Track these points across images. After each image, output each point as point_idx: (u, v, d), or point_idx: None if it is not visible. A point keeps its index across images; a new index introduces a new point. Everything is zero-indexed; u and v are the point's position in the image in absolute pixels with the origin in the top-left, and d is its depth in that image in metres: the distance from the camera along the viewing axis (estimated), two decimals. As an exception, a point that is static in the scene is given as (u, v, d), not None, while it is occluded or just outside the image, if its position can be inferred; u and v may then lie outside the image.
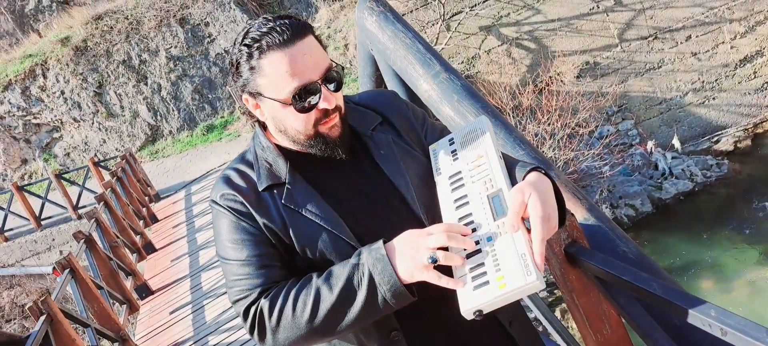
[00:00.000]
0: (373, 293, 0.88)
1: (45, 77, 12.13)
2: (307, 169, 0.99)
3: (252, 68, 0.92)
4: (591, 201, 1.67)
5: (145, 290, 5.18)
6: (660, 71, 10.61)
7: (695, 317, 1.01)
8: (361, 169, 1.02)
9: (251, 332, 0.93)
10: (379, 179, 1.01)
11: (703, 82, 10.57)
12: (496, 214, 0.89)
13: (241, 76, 0.94)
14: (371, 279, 0.88)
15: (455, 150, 1.05)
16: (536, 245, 0.82)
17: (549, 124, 9.15)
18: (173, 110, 12.09)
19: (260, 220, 0.95)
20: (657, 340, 1.23)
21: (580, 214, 1.57)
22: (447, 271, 0.87)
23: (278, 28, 0.91)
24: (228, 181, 0.99)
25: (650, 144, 9.88)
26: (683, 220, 8.48)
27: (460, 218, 0.93)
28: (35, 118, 12.29)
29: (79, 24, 12.40)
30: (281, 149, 1.01)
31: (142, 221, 7.49)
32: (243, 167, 1.01)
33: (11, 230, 10.17)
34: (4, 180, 12.25)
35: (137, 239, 6.57)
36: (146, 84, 12.18)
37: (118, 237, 5.63)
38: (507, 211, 0.87)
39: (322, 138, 0.96)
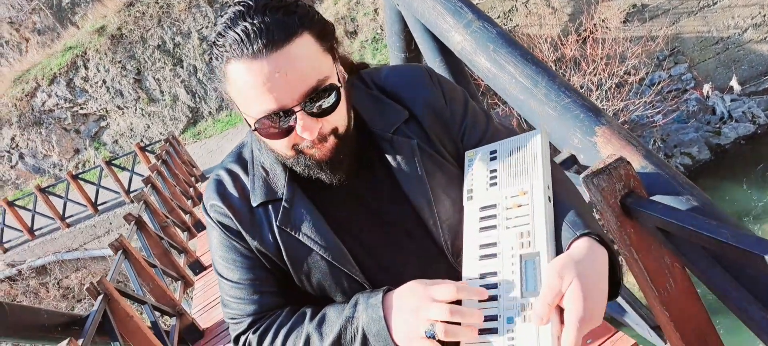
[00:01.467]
0: None
1: (86, 68, 12.58)
2: (310, 183, 0.81)
3: (220, 71, 0.73)
4: (647, 147, 1.54)
5: (197, 267, 5.37)
6: (715, 8, 9.86)
7: (778, 266, 0.90)
8: (376, 183, 0.82)
9: None
10: (397, 196, 0.82)
11: (764, 16, 9.76)
12: (526, 287, 0.69)
13: (215, 74, 0.74)
14: (365, 339, 0.75)
15: (495, 172, 0.80)
16: None
17: (595, 75, 8.72)
18: (210, 91, 12.32)
19: (252, 242, 0.81)
20: (729, 292, 1.12)
21: (636, 162, 1.45)
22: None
23: (246, 32, 0.68)
24: (219, 187, 0.84)
25: (706, 87, 9.29)
26: (745, 165, 7.98)
27: (482, 275, 0.74)
28: (82, 108, 12.83)
29: (112, 13, 12.71)
30: None
31: (189, 201, 7.75)
32: (237, 169, 0.84)
33: (71, 216, 10.76)
34: (60, 170, 12.94)
35: (187, 217, 6.80)
36: (182, 67, 12.44)
37: (167, 217, 5.84)
38: (539, 289, 0.69)
39: (306, 159, 0.76)
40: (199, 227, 6.79)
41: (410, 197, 0.81)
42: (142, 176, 7.40)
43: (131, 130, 12.81)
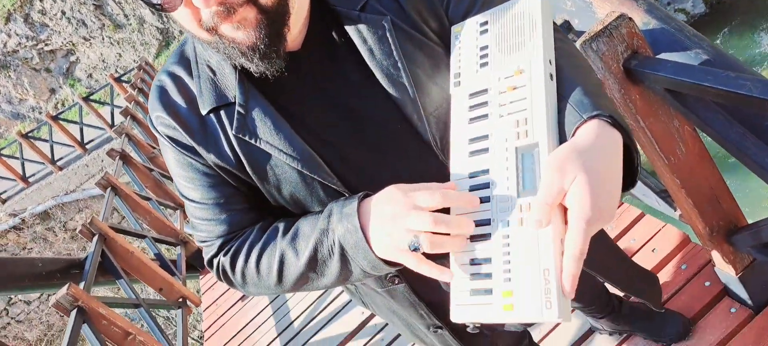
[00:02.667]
0: (347, 264, 0.68)
1: (41, 0, 11.77)
2: (266, 80, 0.68)
3: None
4: (649, 1, 1.38)
5: (193, 193, 5.33)
6: None
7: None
8: (345, 74, 0.70)
9: (220, 280, 0.78)
10: (372, 88, 0.70)
11: None
12: (523, 185, 0.59)
13: None
14: (343, 252, 0.67)
15: (486, 48, 0.68)
16: (568, 262, 0.54)
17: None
18: (177, 7, 11.61)
19: (208, 157, 0.71)
20: (748, 149, 1.02)
21: (638, 18, 1.29)
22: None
23: None
24: (162, 95, 0.72)
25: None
26: (744, 16, 7.66)
27: (472, 173, 0.64)
28: (46, 44, 12.20)
29: (56, -67, 11.62)
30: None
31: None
32: (180, 71, 0.72)
33: (61, 159, 10.64)
34: (40, 113, 12.60)
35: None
36: (143, -16, 11.61)
37: (153, 147, 5.72)
38: (538, 188, 0.58)
39: (225, 44, 0.63)
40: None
41: (387, 88, 0.69)
42: (122, 107, 7.17)
43: (103, 61, 12.28)
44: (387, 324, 2.22)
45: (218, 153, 0.70)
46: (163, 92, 0.72)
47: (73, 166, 10.53)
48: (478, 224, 0.61)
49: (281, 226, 0.73)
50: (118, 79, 10.17)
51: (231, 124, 0.69)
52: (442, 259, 0.64)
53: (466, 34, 0.69)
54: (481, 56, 0.68)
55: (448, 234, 0.61)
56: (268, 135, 0.68)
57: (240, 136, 0.69)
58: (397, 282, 0.79)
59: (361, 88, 0.70)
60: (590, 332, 1.64)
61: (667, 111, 1.20)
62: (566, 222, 0.56)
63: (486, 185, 0.62)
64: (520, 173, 0.60)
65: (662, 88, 1.12)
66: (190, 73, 0.71)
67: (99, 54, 12.26)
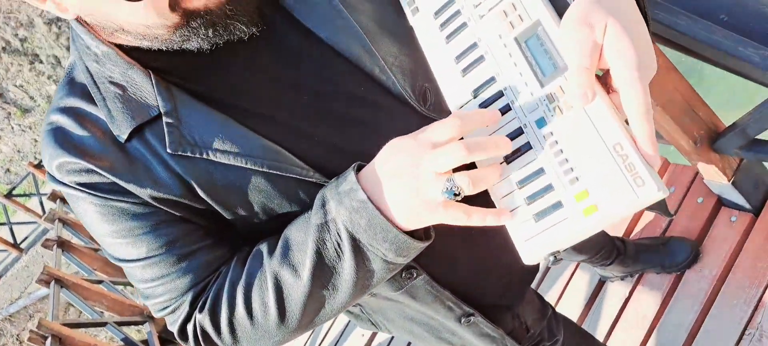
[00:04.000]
0: (364, 259, 0.54)
1: (-66, 104, 10.98)
2: (191, 75, 0.57)
3: None
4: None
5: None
6: None
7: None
8: (285, 45, 0.60)
9: None
10: (319, 52, 0.60)
11: None
12: (543, 72, 0.50)
13: None
14: (355, 242, 0.53)
15: None
16: (639, 122, 0.44)
17: None
18: (87, 73, 11.11)
19: (142, 191, 0.56)
20: (719, 42, 0.97)
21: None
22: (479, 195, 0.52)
23: None
24: (60, 137, 0.57)
25: None
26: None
27: (476, 90, 0.54)
28: (-49, 150, 11.38)
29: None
30: (130, 52, 0.57)
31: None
32: (76, 102, 0.58)
33: (-4, 267, 9.94)
34: (-39, 225, 11.72)
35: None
36: (41, 62, 11.02)
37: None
38: (561, 65, 0.49)
39: (198, 19, 0.53)
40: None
41: (337, 47, 0.59)
42: (49, 193, 6.72)
43: (19, 152, 11.57)
44: (391, 340, 2.10)
45: (155, 183, 0.56)
46: (60, 133, 0.57)
47: (11, 271, 9.85)
48: (510, 137, 0.51)
49: (264, 247, 0.59)
50: (38, 166, 9.57)
51: (162, 143, 0.55)
52: (477, 200, 0.51)
53: None
54: None
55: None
56: (214, 141, 0.55)
57: (179, 153, 0.55)
58: (415, 275, 0.66)
59: (308, 55, 0.60)
60: (601, 283, 1.58)
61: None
62: (609, 90, 0.47)
63: (498, 95, 0.52)
64: (533, 61, 0.50)
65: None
66: (91, 100, 0.57)
67: (12, 145, 11.54)
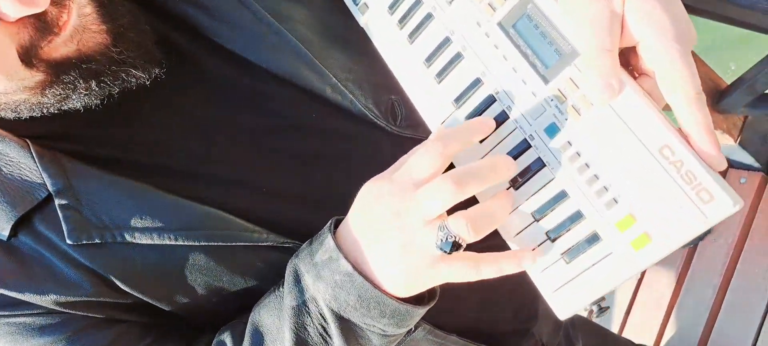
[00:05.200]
0: (359, 340, 0.44)
1: None
2: (86, 137, 0.47)
3: None
4: None
5: None
6: None
7: None
8: (206, 80, 0.49)
9: None
10: (250, 75, 0.50)
11: None
12: (544, 63, 0.39)
13: None
14: (344, 323, 0.43)
15: None
16: (691, 111, 0.34)
17: None
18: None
19: (44, 300, 0.44)
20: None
21: None
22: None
23: None
24: None
25: None
26: None
27: (458, 98, 0.43)
28: None
29: None
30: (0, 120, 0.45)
31: None
32: None
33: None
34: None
35: None
36: None
37: None
38: (567, 50, 0.37)
39: (72, 70, 0.41)
40: None
41: (274, 70, 0.48)
42: None
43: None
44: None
45: (58, 285, 0.44)
46: None
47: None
48: (514, 156, 0.40)
49: (228, 339, 0.47)
50: None
51: (59, 232, 0.43)
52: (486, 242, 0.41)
53: None
54: None
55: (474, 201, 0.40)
56: (128, 218, 0.43)
57: (83, 242, 0.43)
58: (414, 328, 0.54)
59: (239, 86, 0.49)
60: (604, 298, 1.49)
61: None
62: (634, 74, 0.36)
63: (489, 101, 0.41)
64: (529, 51, 0.39)
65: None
66: None
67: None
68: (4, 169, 0.43)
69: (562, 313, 0.39)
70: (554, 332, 0.80)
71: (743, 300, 1.22)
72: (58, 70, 0.40)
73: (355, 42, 0.50)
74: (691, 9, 0.96)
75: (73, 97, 0.42)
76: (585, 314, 0.39)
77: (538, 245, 0.39)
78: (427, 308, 0.44)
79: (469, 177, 0.37)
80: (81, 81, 0.41)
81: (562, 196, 0.38)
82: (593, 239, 0.37)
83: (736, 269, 1.27)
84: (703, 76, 1.19)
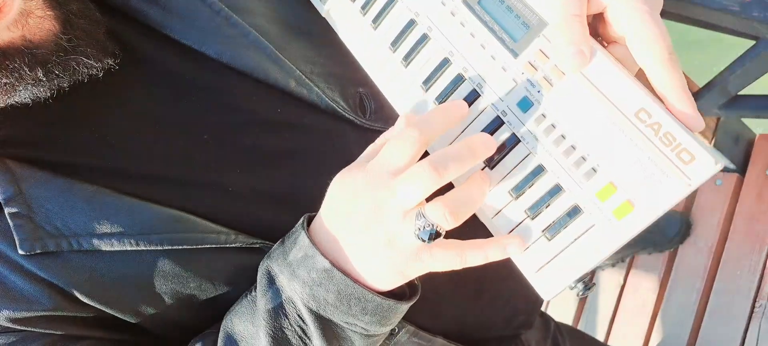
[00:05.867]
0: (340, 341, 0.42)
1: None
2: (37, 140, 0.43)
3: None
4: None
5: None
6: None
7: None
8: (163, 77, 0.47)
9: None
10: (211, 70, 0.47)
11: None
12: (512, 36, 0.38)
13: None
14: (324, 323, 0.40)
15: None
16: (664, 73, 0.32)
17: None
18: None
19: None
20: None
21: None
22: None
23: None
24: None
25: None
26: None
27: (427, 80, 0.41)
28: None
29: None
30: None
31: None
32: None
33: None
34: None
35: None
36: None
37: None
38: (535, 22, 0.36)
39: (18, 56, 0.38)
40: None
41: (234, 64, 0.46)
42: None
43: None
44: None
45: (11, 300, 0.41)
46: None
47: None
48: (490, 130, 0.39)
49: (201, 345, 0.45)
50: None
51: (10, 242, 0.40)
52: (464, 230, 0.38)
53: None
54: None
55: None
56: (86, 224, 0.40)
57: (36, 251, 0.40)
58: (397, 331, 0.52)
59: (199, 82, 0.46)
60: (592, 274, 1.47)
61: None
62: (604, 42, 0.35)
63: (458, 80, 0.40)
64: (496, 26, 0.38)
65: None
66: None
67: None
68: None
69: (547, 293, 0.37)
70: (542, 339, 0.78)
71: (727, 302, 1.22)
72: (2, 57, 0.37)
73: (318, 33, 0.48)
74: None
75: (20, 87, 0.39)
76: (570, 291, 0.37)
77: (518, 224, 0.37)
78: (410, 303, 0.42)
79: (448, 161, 0.35)
80: (27, 69, 0.38)
81: (539, 170, 0.37)
82: (574, 211, 0.35)
83: (717, 272, 1.26)
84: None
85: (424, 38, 0.41)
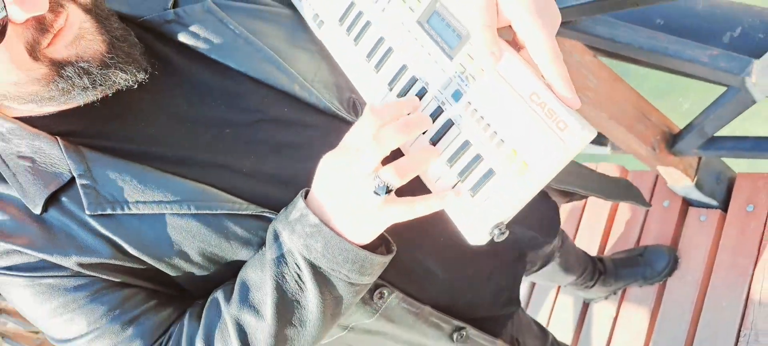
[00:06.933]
0: (327, 285, 0.53)
1: None
2: (99, 132, 0.56)
3: None
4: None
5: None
6: None
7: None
8: (193, 81, 0.59)
9: None
10: (233, 81, 0.59)
11: None
12: (449, 45, 0.50)
13: None
14: (315, 270, 0.52)
15: None
16: (551, 67, 0.44)
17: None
18: None
19: (69, 262, 0.54)
20: (665, 47, 0.95)
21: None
22: (420, 185, 0.52)
23: None
24: None
25: None
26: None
27: (391, 82, 0.54)
28: None
29: None
30: (33, 121, 0.56)
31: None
32: None
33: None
34: None
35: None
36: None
37: None
38: (464, 33, 0.48)
39: (70, 67, 0.51)
40: None
41: (251, 74, 0.59)
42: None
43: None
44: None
45: (79, 249, 0.54)
46: None
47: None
48: (433, 119, 0.51)
49: (220, 295, 0.57)
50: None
51: (80, 206, 0.54)
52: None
53: None
54: None
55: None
56: (134, 193, 0.54)
57: (99, 213, 0.53)
58: (387, 295, 0.64)
59: (222, 87, 0.59)
60: (586, 306, 1.52)
61: (563, 46, 1.12)
62: (517, 46, 0.47)
63: (412, 81, 0.53)
64: (438, 38, 0.50)
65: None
66: (3, 180, 0.56)
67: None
68: (38, 160, 0.54)
69: (473, 238, 0.48)
70: None
71: (714, 332, 1.27)
72: (59, 67, 0.50)
73: (316, 50, 0.61)
74: (636, 60, 1.05)
75: (73, 93, 0.52)
76: (487, 240, 0.49)
77: (454, 186, 0.49)
78: (385, 258, 0.54)
79: (391, 133, 0.48)
80: (77, 79, 0.51)
81: (466, 145, 0.48)
82: (489, 173, 0.47)
83: (704, 304, 1.31)
84: (656, 122, 1.28)
85: (389, 50, 0.54)
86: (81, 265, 0.54)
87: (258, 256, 0.55)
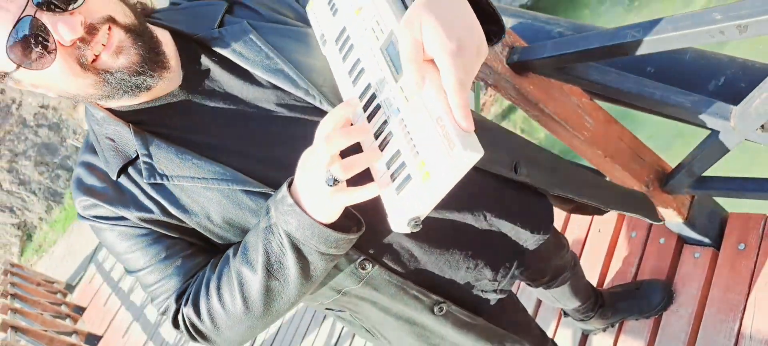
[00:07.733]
0: (302, 253, 0.67)
1: None
2: (161, 123, 0.76)
3: None
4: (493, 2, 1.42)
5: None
6: None
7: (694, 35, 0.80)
8: (230, 87, 0.77)
9: (193, 339, 0.78)
10: (260, 87, 0.76)
11: None
12: (396, 71, 0.60)
13: None
14: (291, 239, 0.66)
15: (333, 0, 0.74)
16: (452, 96, 0.52)
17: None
18: (29, 195, 10.69)
19: (133, 216, 0.75)
20: (651, 92, 1.03)
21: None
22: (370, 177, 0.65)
23: None
24: (78, 185, 0.79)
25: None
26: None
27: (361, 96, 0.66)
28: None
29: None
30: (118, 113, 0.76)
31: (68, 320, 6.70)
32: (89, 157, 0.79)
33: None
34: None
35: (73, 338, 5.87)
36: None
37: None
38: None
39: (115, 76, 0.67)
40: (93, 340, 5.91)
41: (273, 80, 0.75)
42: (-6, 328, 6.21)
43: None
44: None
45: (139, 207, 0.74)
46: (78, 182, 0.79)
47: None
48: (378, 133, 0.62)
49: (230, 251, 0.74)
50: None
51: (141, 176, 0.73)
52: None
53: (317, 3, 0.76)
54: (331, 7, 0.73)
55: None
56: (176, 169, 0.73)
57: (152, 181, 0.73)
58: (369, 267, 0.78)
59: (250, 92, 0.76)
60: (585, 337, 1.57)
61: (561, 89, 1.20)
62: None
63: (373, 97, 0.63)
64: (391, 64, 0.61)
65: (551, 69, 1.12)
66: (96, 153, 0.77)
67: None
68: (117, 140, 0.74)
69: (395, 226, 0.59)
70: None
71: (706, 367, 1.30)
72: (104, 75, 0.67)
73: (325, 64, 0.74)
74: (628, 104, 1.13)
75: (119, 94, 0.70)
76: (407, 230, 0.58)
77: (389, 185, 0.60)
78: (349, 236, 0.66)
79: (336, 138, 0.59)
80: (116, 83, 0.68)
81: (397, 153, 0.59)
82: (408, 178, 0.57)
83: (698, 338, 1.36)
84: (650, 161, 1.34)
85: (362, 70, 0.65)
86: (141, 219, 0.74)
87: (256, 224, 0.71)
